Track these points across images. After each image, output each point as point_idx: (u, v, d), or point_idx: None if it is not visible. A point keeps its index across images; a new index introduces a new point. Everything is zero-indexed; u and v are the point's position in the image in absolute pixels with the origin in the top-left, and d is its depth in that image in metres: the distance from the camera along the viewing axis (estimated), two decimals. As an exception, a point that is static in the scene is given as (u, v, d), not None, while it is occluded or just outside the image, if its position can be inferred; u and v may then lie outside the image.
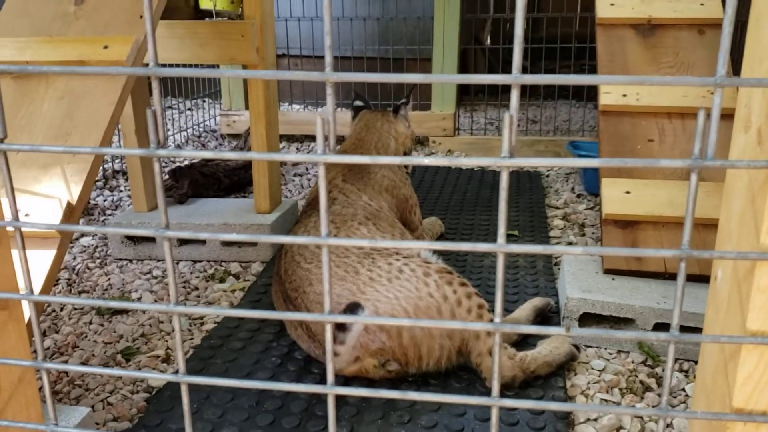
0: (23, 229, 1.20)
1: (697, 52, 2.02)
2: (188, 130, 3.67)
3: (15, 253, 0.78)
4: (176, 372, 0.65)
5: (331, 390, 0.57)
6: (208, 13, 2.91)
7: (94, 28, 1.51)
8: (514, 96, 0.49)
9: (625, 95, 1.93)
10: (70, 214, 1.27)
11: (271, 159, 0.54)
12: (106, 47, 1.45)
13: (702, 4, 2.08)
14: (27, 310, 0.99)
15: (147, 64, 0.62)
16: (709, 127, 0.49)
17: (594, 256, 1.85)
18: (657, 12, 2.08)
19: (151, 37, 0.54)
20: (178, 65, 3.50)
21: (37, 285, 1.21)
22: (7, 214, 0.80)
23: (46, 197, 1.30)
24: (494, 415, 0.54)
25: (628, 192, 1.76)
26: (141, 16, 1.51)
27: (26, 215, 1.27)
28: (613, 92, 1.95)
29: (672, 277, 1.66)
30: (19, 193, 1.32)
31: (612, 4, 2.11)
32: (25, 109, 1.42)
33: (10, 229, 0.98)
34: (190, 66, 3.52)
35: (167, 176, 2.48)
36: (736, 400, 0.53)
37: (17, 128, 1.40)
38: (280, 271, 1.58)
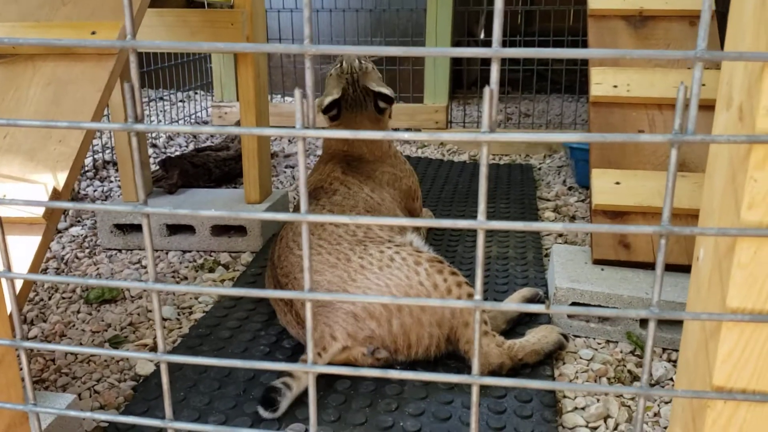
0: (9, 215, 1.19)
1: (688, 43, 2.02)
2: (180, 122, 3.65)
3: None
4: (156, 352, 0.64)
5: (311, 368, 0.57)
6: (200, 4, 2.90)
7: (81, 14, 1.50)
8: (494, 70, 0.48)
9: (615, 86, 1.93)
10: (56, 200, 1.26)
11: (250, 134, 0.53)
12: (93, 33, 1.44)
13: (692, -4, 2.08)
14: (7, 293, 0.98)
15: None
16: (690, 103, 0.49)
17: (584, 246, 1.85)
18: (648, 3, 2.08)
19: (129, 11, 0.54)
20: (168, 55, 3.48)
21: (23, 271, 1.20)
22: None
23: (31, 183, 1.29)
24: (474, 392, 0.54)
25: (617, 183, 1.76)
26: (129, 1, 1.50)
27: (10, 200, 1.26)
28: (603, 83, 1.95)
29: (665, 268, 1.66)
30: (3, 179, 1.31)
31: (603, -5, 2.11)
32: (11, 95, 1.41)
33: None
34: (181, 55, 3.50)
35: (157, 167, 2.47)
36: (716, 378, 0.53)
37: (3, 113, 1.39)
38: (273, 257, 1.58)
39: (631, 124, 1.88)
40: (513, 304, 0.53)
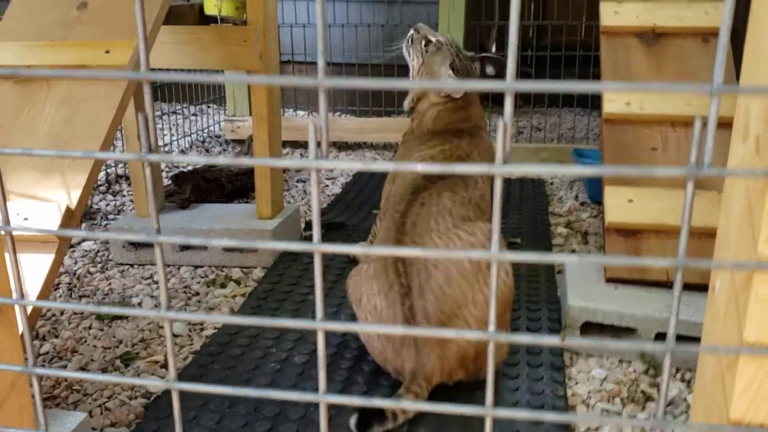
0: (22, 234, 1.20)
1: (701, 60, 2.01)
2: (192, 136, 3.67)
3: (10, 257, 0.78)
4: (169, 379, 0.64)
5: (322, 398, 0.56)
6: (213, 19, 2.91)
7: (96, 33, 1.52)
8: (508, 103, 0.48)
9: (628, 104, 1.92)
10: (69, 218, 1.27)
11: (264, 165, 0.53)
12: (107, 52, 1.45)
13: (707, 13, 2.08)
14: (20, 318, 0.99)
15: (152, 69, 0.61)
16: (705, 135, 0.48)
17: (597, 264, 1.84)
18: (661, 20, 2.07)
19: (143, 41, 0.54)
20: (181, 70, 3.51)
21: (35, 289, 1.21)
22: None
23: (45, 201, 1.30)
24: (488, 425, 0.53)
25: (630, 200, 1.75)
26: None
27: (25, 219, 1.27)
28: (616, 100, 1.94)
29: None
30: (17, 197, 1.32)
31: (616, 12, 2.11)
32: (26, 113, 1.42)
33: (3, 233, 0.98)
34: (194, 71, 3.52)
35: (170, 181, 2.48)
36: (733, 412, 0.53)
37: (19, 132, 1.40)
38: (401, 220, 1.46)
39: (645, 141, 1.87)
40: (527, 335, 0.53)
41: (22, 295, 0.62)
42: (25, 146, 1.38)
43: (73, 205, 1.28)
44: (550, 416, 0.52)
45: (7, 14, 1.59)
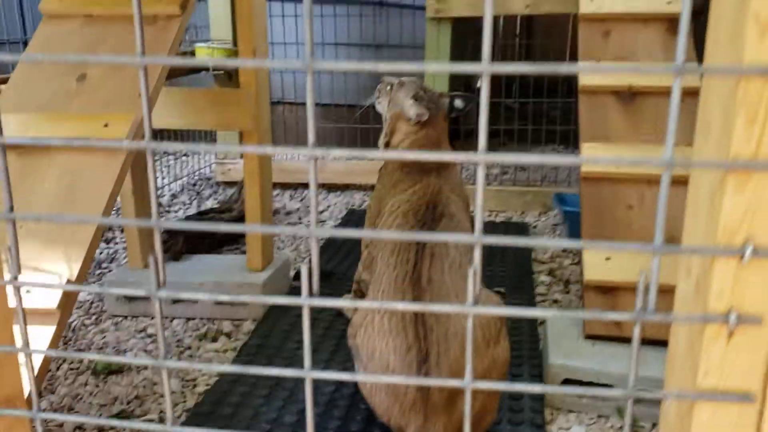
0: (25, 306, 1.25)
1: (679, 120, 2.10)
2: (184, 179, 3.73)
3: (16, 329, 0.84)
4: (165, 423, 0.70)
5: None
6: (204, 67, 2.99)
7: (95, 105, 1.58)
8: (480, 175, 0.54)
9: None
10: (70, 291, 1.33)
11: (264, 232, 0.59)
12: (106, 125, 1.52)
13: (680, 73, 2.17)
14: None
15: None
16: (650, 283, 0.55)
17: (576, 319, 1.91)
18: (637, 80, 2.16)
19: (147, 114, 0.59)
20: (175, 131, 3.58)
21: (37, 361, 1.26)
22: (10, 292, 0.85)
23: (46, 273, 1.35)
24: None
25: (608, 258, 1.82)
26: (140, 94, 1.58)
27: (27, 291, 1.33)
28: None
29: (651, 342, 1.72)
30: (26, 270, 1.37)
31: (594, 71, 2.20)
32: (27, 185, 1.48)
33: (11, 305, 1.03)
34: (188, 131, 3.59)
35: (163, 231, 2.53)
36: None
37: (19, 204, 1.46)
38: (415, 272, 1.47)
39: (622, 200, 1.95)
40: (503, 384, 0.59)
41: (27, 344, 0.67)
42: (27, 222, 1.44)
43: (74, 278, 1.34)
44: None
45: (8, 85, 1.65)
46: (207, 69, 3.12)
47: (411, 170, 1.79)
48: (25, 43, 3.10)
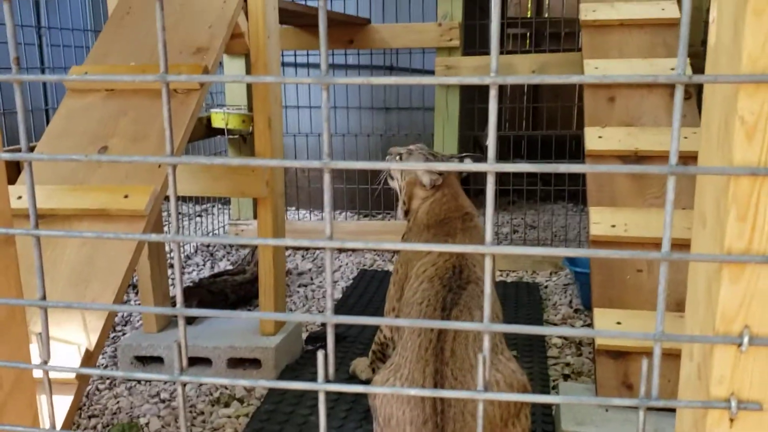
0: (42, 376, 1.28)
1: (682, 183, 2.14)
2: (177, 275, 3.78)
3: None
4: None
5: None
6: (219, 131, 3.07)
7: (116, 177, 1.64)
8: (488, 264, 0.57)
9: (613, 226, 2.03)
10: (88, 359, 1.35)
11: (279, 319, 0.62)
12: (126, 196, 1.57)
13: (686, 138, 2.21)
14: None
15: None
16: (651, 373, 0.58)
17: (589, 384, 1.91)
18: (643, 144, 2.21)
19: (174, 214, 0.62)
20: (191, 197, 3.65)
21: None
22: (36, 359, 0.88)
23: (65, 343, 1.38)
24: None
25: (619, 323, 1.83)
26: (159, 166, 1.63)
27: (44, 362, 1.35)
28: (602, 222, 2.05)
29: (662, 409, 1.72)
30: (39, 337, 1.40)
31: (600, 137, 2.25)
32: (49, 254, 1.52)
33: (37, 375, 1.06)
34: (203, 199, 3.67)
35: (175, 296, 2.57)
36: None
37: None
38: (438, 347, 1.48)
39: (630, 263, 1.97)
40: None
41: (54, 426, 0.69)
42: (47, 287, 1.48)
43: (92, 347, 1.36)
44: None
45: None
46: (222, 132, 3.21)
47: (437, 232, 1.84)
48: (47, 111, 3.20)
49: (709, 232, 0.62)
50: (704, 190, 0.65)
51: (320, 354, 0.60)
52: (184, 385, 0.65)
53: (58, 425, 1.29)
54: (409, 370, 1.44)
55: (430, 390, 0.60)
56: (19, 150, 0.70)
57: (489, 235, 0.60)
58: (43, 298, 0.68)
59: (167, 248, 3.53)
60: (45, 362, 0.68)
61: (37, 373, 1.14)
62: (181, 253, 3.57)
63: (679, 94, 0.51)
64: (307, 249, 3.72)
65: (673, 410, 1.65)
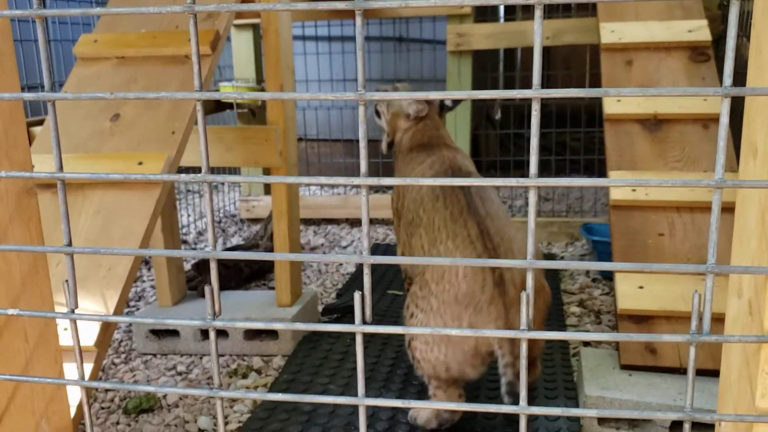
0: (63, 343, 1.26)
1: (702, 146, 2.10)
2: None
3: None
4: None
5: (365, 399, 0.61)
6: (229, 105, 3.04)
7: (129, 144, 1.61)
8: (530, 279, 0.55)
9: (634, 190, 2.00)
10: (106, 328, 1.34)
11: (318, 260, 0.59)
12: (140, 163, 1.54)
13: (705, 100, 2.17)
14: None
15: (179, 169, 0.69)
16: (704, 307, 0.55)
17: (611, 350, 1.88)
18: (662, 107, 2.16)
19: (204, 153, 0.61)
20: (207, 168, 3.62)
21: (75, 399, 1.26)
22: (60, 331, 0.86)
23: (82, 312, 1.36)
24: (522, 425, 0.58)
25: (641, 287, 1.80)
26: (173, 132, 1.60)
27: (64, 329, 1.33)
28: (622, 186, 2.02)
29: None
30: (57, 305, 1.39)
31: (618, 101, 2.20)
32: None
33: (62, 343, 1.04)
34: (217, 169, 3.64)
35: (191, 269, 2.55)
36: None
37: (54, 242, 1.47)
38: (481, 232, 1.54)
39: (651, 227, 1.93)
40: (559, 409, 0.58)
41: (83, 377, 0.67)
42: (62, 257, 1.46)
43: (110, 313, 1.34)
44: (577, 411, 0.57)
45: (44, 127, 1.69)
46: (231, 106, 3.18)
47: (419, 152, 1.89)
48: (59, 85, 3.17)
49: (761, 161, 0.59)
50: (754, 120, 0.61)
51: (357, 295, 0.57)
52: (216, 331, 0.63)
53: (77, 394, 1.28)
54: (446, 233, 1.55)
55: (481, 260, 0.57)
56: (41, 123, 0.68)
57: (533, 166, 0.57)
58: (69, 244, 0.66)
59: (183, 220, 3.51)
60: (72, 311, 0.66)
61: (62, 334, 1.12)
62: (194, 229, 3.56)
63: (725, 107, 0.49)
64: (318, 223, 3.70)
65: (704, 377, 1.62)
